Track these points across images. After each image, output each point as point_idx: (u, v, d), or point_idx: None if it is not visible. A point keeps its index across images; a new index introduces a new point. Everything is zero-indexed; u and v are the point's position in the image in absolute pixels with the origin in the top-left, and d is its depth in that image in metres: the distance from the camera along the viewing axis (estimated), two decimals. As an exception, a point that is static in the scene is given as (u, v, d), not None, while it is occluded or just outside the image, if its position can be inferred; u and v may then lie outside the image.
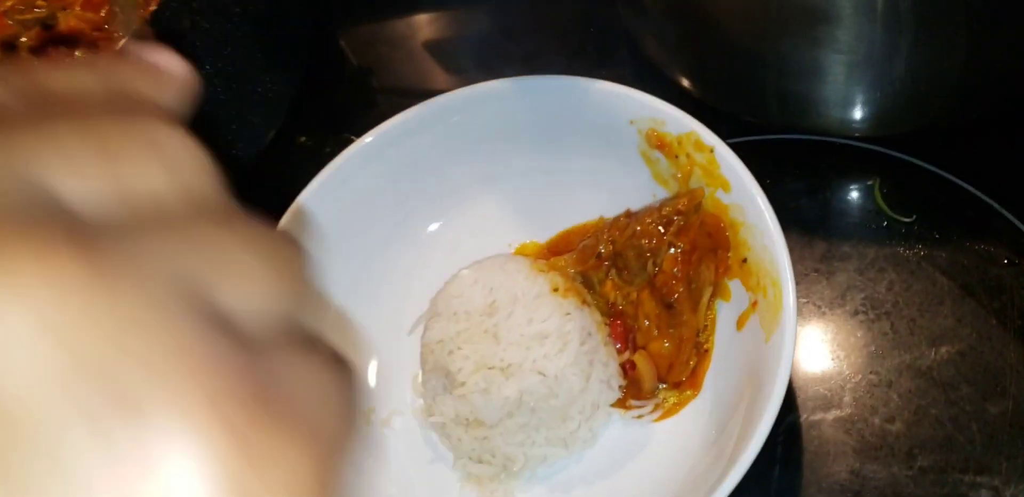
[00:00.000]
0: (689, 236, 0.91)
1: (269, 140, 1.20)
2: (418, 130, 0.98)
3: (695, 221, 0.92)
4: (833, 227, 1.05)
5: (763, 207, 0.86)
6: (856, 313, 0.99)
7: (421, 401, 0.96)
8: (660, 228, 0.90)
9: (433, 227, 1.04)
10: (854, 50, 0.91)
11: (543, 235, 1.03)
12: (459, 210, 1.04)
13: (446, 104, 0.98)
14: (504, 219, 1.03)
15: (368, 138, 0.97)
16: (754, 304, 0.88)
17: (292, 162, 1.20)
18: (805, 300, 1.00)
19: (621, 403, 0.94)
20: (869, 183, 1.06)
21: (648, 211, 0.93)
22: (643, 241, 0.91)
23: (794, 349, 0.78)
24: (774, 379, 0.77)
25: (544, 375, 0.87)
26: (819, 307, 1.00)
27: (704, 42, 1.04)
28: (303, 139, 1.29)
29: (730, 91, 1.06)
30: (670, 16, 1.06)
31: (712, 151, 0.92)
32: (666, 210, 0.91)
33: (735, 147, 0.91)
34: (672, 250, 0.90)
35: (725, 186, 0.92)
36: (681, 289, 0.90)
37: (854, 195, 1.07)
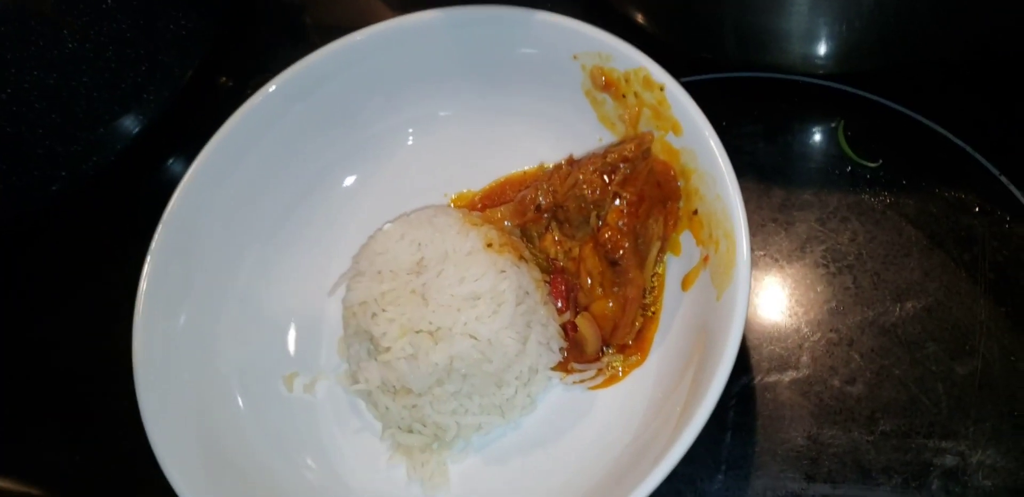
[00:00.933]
0: (636, 186, 0.83)
1: (185, 82, 1.09)
2: (336, 71, 0.89)
3: (643, 169, 0.83)
4: (793, 173, 0.97)
5: (717, 152, 0.78)
6: (816, 266, 0.92)
7: (347, 366, 0.89)
8: (605, 177, 0.82)
9: (357, 176, 0.95)
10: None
11: (478, 183, 0.95)
12: (386, 157, 0.95)
13: (367, 41, 0.89)
14: (436, 167, 0.94)
15: (279, 81, 0.88)
16: (705, 259, 0.81)
17: (212, 106, 1.10)
18: (761, 253, 0.93)
19: (562, 366, 0.87)
20: (832, 125, 0.98)
21: (592, 158, 0.84)
22: (586, 191, 0.82)
23: (747, 307, 0.71)
24: (726, 339, 0.70)
25: (476, 339, 0.80)
26: (776, 260, 0.93)
27: None
28: (224, 80, 1.18)
29: (684, 24, 0.96)
30: None
31: (662, 89, 0.83)
32: (611, 157, 0.82)
33: (688, 86, 0.83)
34: (617, 201, 0.82)
35: (676, 129, 0.83)
36: (627, 244, 0.82)
37: (816, 138, 0.99)
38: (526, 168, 0.96)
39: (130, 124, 1.05)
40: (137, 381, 0.79)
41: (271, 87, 0.87)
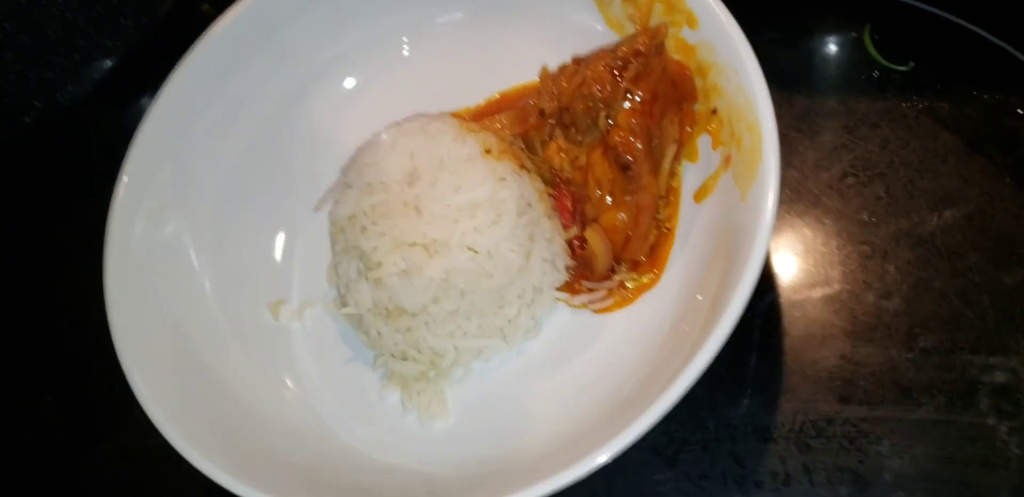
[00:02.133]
0: (650, 83, 0.75)
1: (166, 10, 1.01)
2: None
3: (657, 65, 0.76)
4: (817, 81, 0.90)
5: (737, 39, 0.71)
6: (844, 176, 0.84)
7: (336, 292, 0.82)
8: (615, 73, 0.74)
9: (349, 86, 0.88)
10: None
11: (476, 99, 0.87)
12: (378, 70, 0.87)
13: None
14: (431, 81, 0.87)
15: None
16: (727, 159, 0.73)
17: (194, 38, 1.01)
18: (784, 164, 0.85)
19: (569, 287, 0.79)
20: (858, 29, 0.90)
21: (600, 54, 0.76)
22: (595, 89, 0.75)
23: (777, 202, 0.63)
24: (753, 238, 0.62)
25: (475, 251, 0.73)
26: (800, 171, 0.85)
27: None
28: (207, 8, 1.10)
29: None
30: None
31: (674, -22, 0.76)
32: (622, 51, 0.75)
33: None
34: (629, 100, 0.74)
35: (691, 21, 0.76)
36: (640, 147, 0.74)
37: (840, 43, 0.91)
38: (527, 82, 0.88)
39: (107, 51, 0.98)
40: (108, 294, 0.72)
41: None
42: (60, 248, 0.95)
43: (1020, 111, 0.83)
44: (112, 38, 0.98)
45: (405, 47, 0.87)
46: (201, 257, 0.80)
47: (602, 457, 0.60)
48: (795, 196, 0.84)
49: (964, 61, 0.87)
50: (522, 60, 0.86)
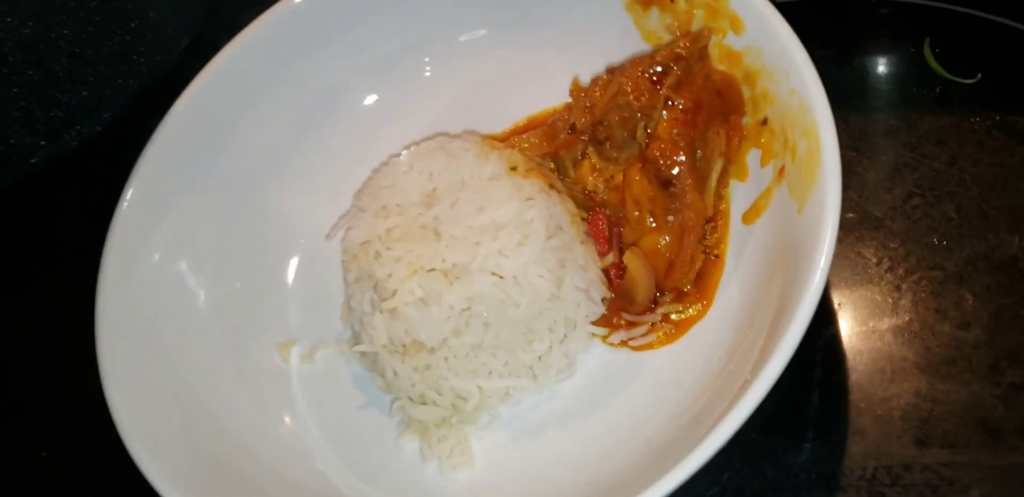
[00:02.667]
0: (692, 91, 0.68)
1: (181, 47, 0.97)
2: None
3: (699, 72, 0.69)
4: (873, 98, 0.83)
5: (787, 38, 0.65)
6: (909, 197, 0.76)
7: (351, 332, 0.75)
8: (654, 80, 0.68)
9: (366, 109, 0.83)
10: None
11: (502, 124, 0.81)
12: (398, 86, 0.82)
13: None
14: (454, 105, 0.81)
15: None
16: (780, 172, 0.66)
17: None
18: (845, 186, 0.77)
19: (607, 321, 0.72)
20: (916, 43, 0.83)
21: (637, 60, 0.70)
22: (631, 98, 0.68)
23: (839, 206, 0.56)
24: (814, 251, 0.55)
25: (500, 276, 0.66)
26: (860, 193, 0.78)
27: None
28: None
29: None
30: None
31: (719, -20, 0.70)
32: (661, 56, 0.69)
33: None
34: (670, 109, 0.68)
35: (736, 25, 0.70)
36: (683, 159, 0.67)
37: (897, 58, 0.85)
38: (557, 106, 0.82)
39: (118, 89, 0.93)
40: (99, 324, 0.66)
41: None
42: (66, 295, 0.89)
43: (1103, 122, 0.75)
44: (124, 75, 0.94)
45: (427, 68, 0.82)
46: (204, 295, 0.75)
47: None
48: (855, 219, 0.76)
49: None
50: (551, 81, 0.80)
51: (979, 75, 0.81)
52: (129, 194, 0.72)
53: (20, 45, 0.85)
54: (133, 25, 0.94)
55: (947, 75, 0.82)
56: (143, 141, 0.80)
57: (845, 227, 0.76)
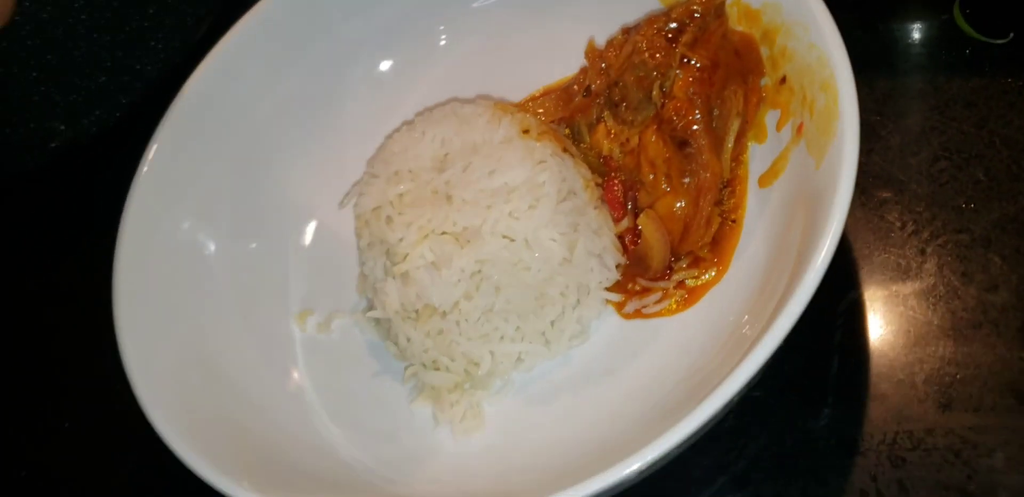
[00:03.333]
0: (709, 49, 0.67)
1: (199, 35, 0.97)
2: None
3: (717, 29, 0.68)
4: (899, 62, 0.81)
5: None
6: (936, 159, 0.74)
7: (366, 303, 0.75)
8: (669, 38, 0.67)
9: (381, 76, 0.83)
10: None
11: (517, 94, 0.81)
12: (413, 54, 0.82)
13: None
14: (468, 70, 0.81)
15: None
16: (799, 130, 0.65)
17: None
18: (865, 151, 0.76)
19: (621, 287, 0.71)
20: (946, 5, 0.81)
21: (652, 18, 0.69)
22: (646, 57, 0.67)
23: (856, 159, 0.55)
24: (831, 203, 0.54)
25: (511, 239, 0.65)
26: (884, 157, 0.76)
27: None
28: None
29: None
30: None
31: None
32: (676, 13, 0.67)
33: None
34: (686, 67, 0.67)
35: (752, -20, 0.68)
36: (699, 118, 0.66)
37: (927, 21, 0.83)
38: (573, 75, 0.81)
39: (136, 75, 0.94)
40: (116, 287, 0.67)
41: None
42: (86, 275, 0.90)
43: None
44: (142, 61, 0.94)
45: (442, 36, 0.82)
46: (220, 264, 0.75)
47: (634, 465, 0.50)
48: (879, 183, 0.75)
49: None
50: (566, 47, 0.79)
51: (1011, 35, 0.78)
52: (150, 156, 0.73)
53: (38, 29, 0.86)
54: (151, 11, 0.95)
55: (978, 36, 0.79)
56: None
57: (868, 192, 0.74)
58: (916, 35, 0.83)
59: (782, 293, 0.58)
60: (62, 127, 0.90)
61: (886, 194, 0.74)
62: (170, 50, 0.96)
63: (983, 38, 0.79)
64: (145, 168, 0.72)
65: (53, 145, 0.91)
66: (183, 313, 0.71)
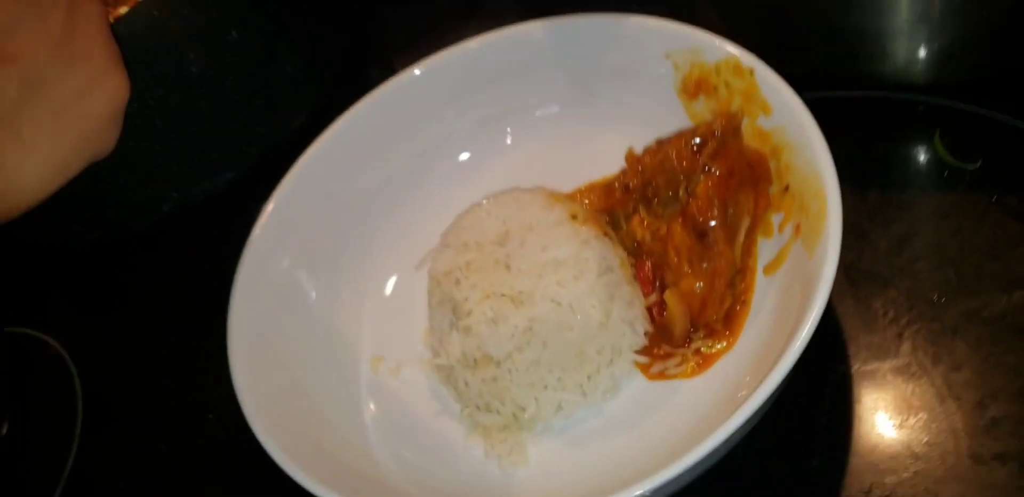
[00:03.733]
0: (727, 161, 0.83)
1: (300, 122, 1.13)
2: (447, 71, 0.96)
3: (733, 146, 0.84)
4: (888, 179, 0.96)
5: (804, 118, 0.79)
6: (916, 260, 0.88)
7: (430, 360, 0.89)
8: (694, 149, 0.83)
9: (461, 157, 1.00)
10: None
11: (567, 186, 0.96)
12: (483, 147, 0.99)
13: (480, 47, 0.96)
14: (528, 164, 0.97)
15: (413, 70, 0.96)
16: (797, 229, 0.79)
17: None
18: (857, 252, 0.90)
19: (647, 351, 0.84)
20: (929, 132, 0.97)
21: (681, 134, 0.85)
22: (675, 164, 0.83)
23: (839, 250, 0.69)
24: (818, 280, 0.68)
25: (558, 303, 0.79)
26: (873, 257, 0.90)
27: None
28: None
29: (768, 32, 0.99)
30: None
31: (752, 73, 0.85)
32: (701, 131, 0.84)
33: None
34: (707, 174, 0.82)
35: (766, 109, 0.84)
36: (717, 216, 0.81)
37: (911, 147, 0.98)
38: (613, 173, 0.96)
39: (243, 153, 1.09)
40: (232, 314, 0.83)
41: (414, 70, 0.96)
42: (199, 316, 1.02)
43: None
44: (249, 142, 1.09)
45: (509, 136, 0.98)
46: (317, 308, 0.91)
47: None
48: (867, 278, 0.88)
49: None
50: (610, 152, 0.94)
51: (980, 161, 0.93)
52: (265, 216, 0.89)
53: (165, 112, 1.01)
54: (259, 103, 1.09)
55: (953, 161, 0.94)
56: (264, 195, 0.96)
57: (858, 284, 0.88)
58: (902, 157, 0.98)
59: (775, 361, 0.71)
60: (174, 194, 1.05)
61: (873, 288, 0.88)
62: (273, 135, 1.11)
63: (956, 163, 0.94)
64: (264, 218, 0.89)
65: (164, 209, 1.06)
66: (284, 349, 0.84)
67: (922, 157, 0.97)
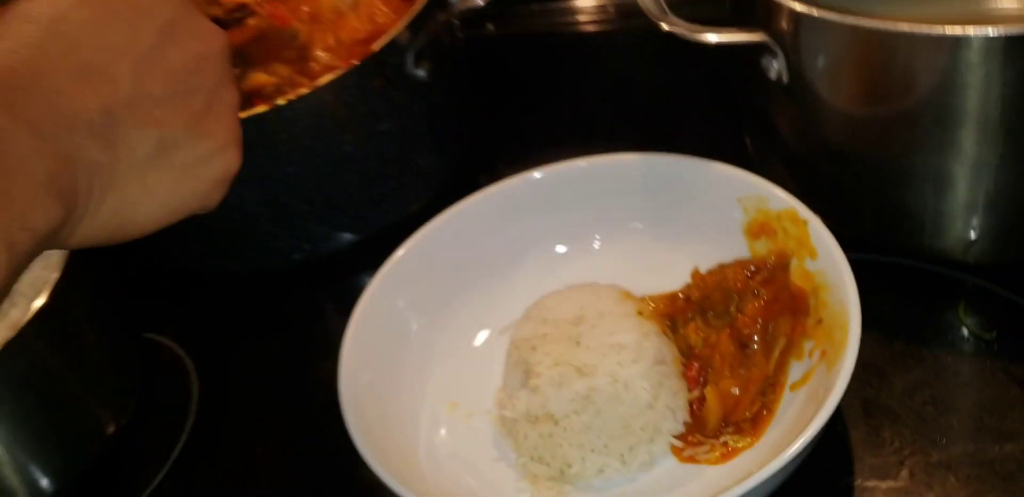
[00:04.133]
0: (773, 290, 0.99)
1: (419, 206, 1.30)
2: (560, 177, 1.16)
3: (781, 279, 1.00)
4: (913, 335, 1.09)
5: (843, 267, 0.95)
6: (925, 404, 1.02)
7: (498, 411, 1.03)
8: (748, 276, 0.99)
9: (557, 250, 1.18)
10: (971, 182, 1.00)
11: (638, 290, 1.12)
12: (574, 248, 1.17)
13: (586, 167, 1.16)
14: (610, 268, 1.14)
15: (533, 174, 1.16)
16: (823, 354, 0.94)
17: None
18: (876, 389, 1.04)
19: (683, 437, 0.97)
20: (954, 304, 1.12)
21: (740, 262, 1.02)
22: (731, 285, 0.99)
23: (847, 382, 0.84)
24: (832, 389, 0.82)
25: (615, 379, 0.94)
26: (889, 396, 1.03)
27: (824, 161, 1.14)
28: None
29: (834, 198, 1.15)
30: (798, 141, 1.18)
31: (806, 224, 1.02)
32: (756, 262, 1.01)
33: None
34: (755, 297, 0.98)
35: (812, 254, 1.01)
36: (758, 332, 0.97)
37: (937, 312, 1.12)
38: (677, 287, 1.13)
39: (368, 222, 1.26)
40: (345, 343, 1.00)
41: (535, 174, 1.16)
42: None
43: (1081, 379, 1.01)
44: (375, 215, 1.26)
45: (597, 242, 1.16)
46: (416, 340, 1.08)
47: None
48: (882, 412, 1.01)
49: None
50: (679, 268, 1.10)
51: (995, 333, 1.08)
52: (396, 256, 1.07)
53: (315, 179, 1.20)
54: (389, 184, 1.29)
55: (972, 328, 1.09)
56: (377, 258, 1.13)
57: (872, 416, 1.01)
58: (929, 319, 1.12)
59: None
60: (307, 245, 1.24)
61: (885, 420, 1.00)
62: (396, 212, 1.27)
63: (975, 331, 1.09)
64: (389, 265, 1.06)
65: (296, 257, 1.25)
66: (383, 373, 1.00)
67: (946, 322, 1.11)
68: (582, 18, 1.73)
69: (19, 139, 0.55)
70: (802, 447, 0.81)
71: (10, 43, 0.60)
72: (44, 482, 1.00)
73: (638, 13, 1.01)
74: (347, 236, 1.26)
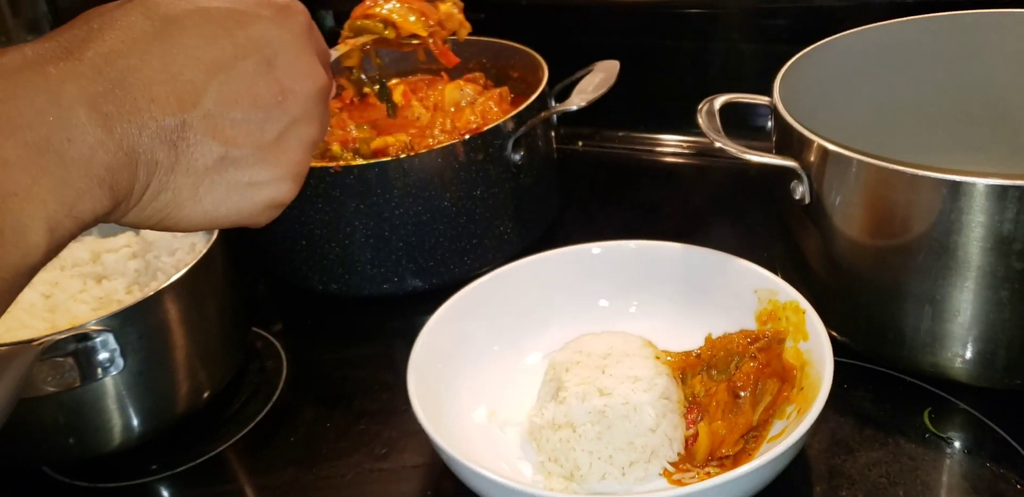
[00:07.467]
0: (768, 357, 1.22)
1: (493, 265, 1.59)
2: (612, 253, 1.41)
3: (775, 350, 1.23)
4: (882, 423, 1.25)
5: (826, 349, 1.17)
6: (880, 477, 1.19)
7: (529, 424, 1.25)
8: (749, 342, 1.23)
9: (601, 303, 1.43)
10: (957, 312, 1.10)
11: (660, 345, 1.35)
12: (615, 305, 1.42)
13: (636, 247, 1.42)
14: (641, 326, 1.37)
15: (592, 249, 1.41)
16: (799, 412, 1.16)
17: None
18: (841, 459, 1.24)
19: (675, 464, 1.18)
20: (921, 408, 1.31)
21: (744, 331, 1.26)
22: (734, 347, 1.23)
23: (812, 423, 1.04)
24: (792, 434, 1.03)
25: (627, 402, 1.16)
26: (853, 466, 1.22)
27: (830, 273, 1.35)
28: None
29: (837, 310, 1.37)
30: (811, 253, 1.41)
31: (805, 313, 1.26)
32: (756, 333, 1.24)
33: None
34: (752, 359, 1.21)
35: (805, 337, 1.24)
36: (750, 387, 1.19)
37: (906, 411, 1.28)
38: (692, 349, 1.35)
39: (450, 272, 1.51)
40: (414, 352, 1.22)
41: (594, 250, 1.41)
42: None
43: (1019, 486, 1.19)
44: (456, 266, 1.50)
45: (634, 307, 1.40)
46: (475, 349, 1.31)
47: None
48: (841, 476, 1.19)
49: (995, 449, 1.23)
50: (695, 331, 1.33)
51: (950, 434, 1.28)
52: (473, 285, 1.30)
53: (418, 226, 1.45)
54: (474, 242, 1.52)
55: (933, 430, 1.29)
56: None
57: (834, 478, 1.18)
58: (897, 414, 1.31)
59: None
60: (395, 278, 1.50)
61: (844, 483, 1.15)
62: (475, 268, 1.50)
63: (935, 431, 1.29)
64: (464, 290, 1.29)
65: (385, 287, 1.50)
66: (444, 374, 1.24)
67: (912, 420, 1.30)
68: (659, 148, 2.06)
69: (90, 131, 0.56)
70: (769, 459, 1.01)
71: (120, 33, 0.60)
72: (135, 422, 1.14)
73: (708, 152, 1.27)
74: (430, 280, 1.52)
